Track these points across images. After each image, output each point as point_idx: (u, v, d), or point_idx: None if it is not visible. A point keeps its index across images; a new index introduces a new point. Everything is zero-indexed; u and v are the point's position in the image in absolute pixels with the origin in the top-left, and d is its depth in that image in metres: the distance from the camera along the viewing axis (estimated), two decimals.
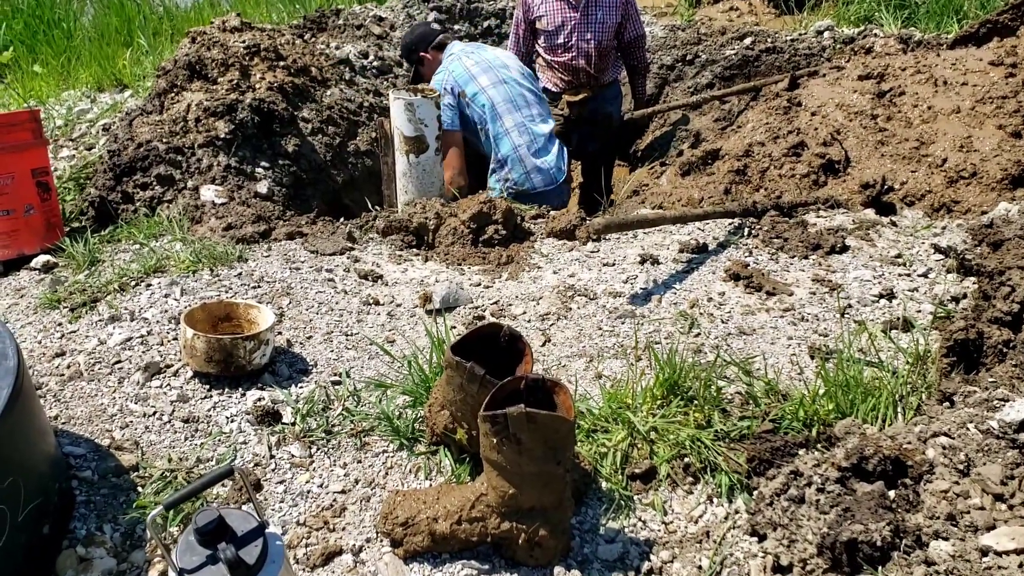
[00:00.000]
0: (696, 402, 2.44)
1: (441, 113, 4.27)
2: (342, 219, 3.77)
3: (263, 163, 4.55)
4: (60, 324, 2.88)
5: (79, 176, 4.22)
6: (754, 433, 2.30)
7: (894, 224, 3.60)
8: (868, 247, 3.36)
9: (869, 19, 6.70)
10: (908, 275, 3.15)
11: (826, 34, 6.30)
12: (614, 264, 3.27)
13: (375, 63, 5.77)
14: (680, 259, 3.29)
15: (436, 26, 5.26)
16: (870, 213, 3.83)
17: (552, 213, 3.71)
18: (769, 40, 6.36)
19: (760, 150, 4.84)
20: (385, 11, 6.53)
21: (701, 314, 2.92)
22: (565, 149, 5.23)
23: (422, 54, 5.23)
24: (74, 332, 2.82)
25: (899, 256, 3.27)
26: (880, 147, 4.64)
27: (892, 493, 1.77)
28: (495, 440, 1.90)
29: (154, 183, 3.85)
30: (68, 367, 2.62)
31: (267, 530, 1.67)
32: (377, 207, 4.40)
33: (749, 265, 3.17)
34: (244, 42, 5.01)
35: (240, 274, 3.15)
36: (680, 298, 3.03)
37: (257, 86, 4.83)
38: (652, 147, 6.45)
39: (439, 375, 2.46)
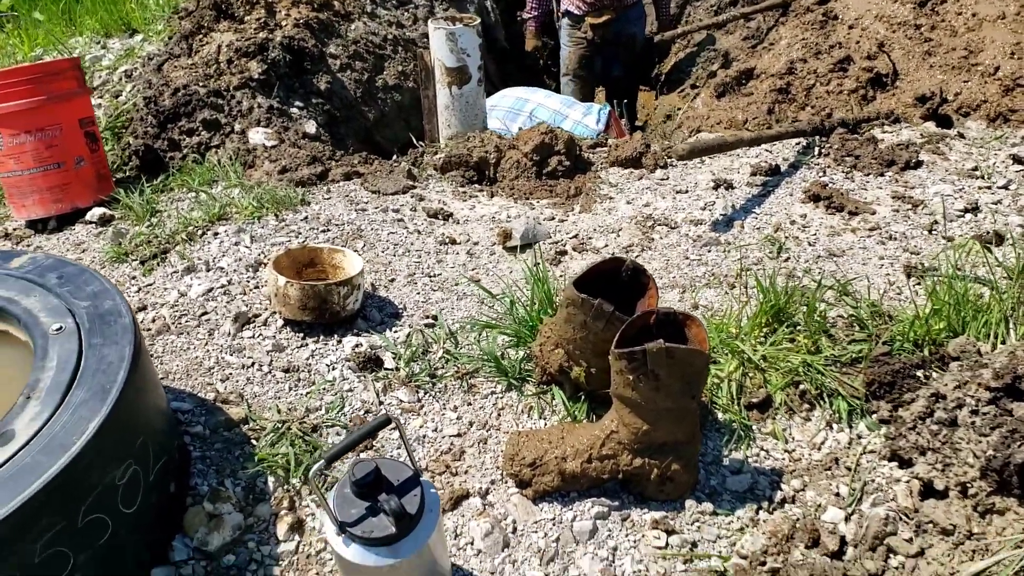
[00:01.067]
0: (801, 328, 2.40)
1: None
2: (395, 156, 3.67)
3: (297, 102, 4.42)
4: (134, 278, 2.81)
5: (114, 125, 4.09)
6: (870, 357, 2.27)
7: (962, 136, 3.53)
8: (942, 161, 3.30)
9: None
10: (988, 187, 3.10)
11: None
12: (687, 191, 3.20)
13: None
14: (754, 182, 3.22)
15: None
16: (931, 126, 3.75)
17: (612, 141, 3.62)
18: None
19: (803, 67, 4.73)
20: None
21: (787, 238, 2.87)
22: None
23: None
24: (150, 285, 2.74)
25: (976, 169, 3.21)
26: (927, 58, 4.54)
27: None
28: (631, 377, 1.86)
29: (200, 128, 3.73)
30: (153, 321, 2.56)
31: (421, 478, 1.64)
32: (420, 142, 4.29)
33: (827, 185, 3.10)
34: None
35: (306, 218, 3.07)
36: (762, 222, 2.97)
37: (284, 23, 4.67)
38: (677, 70, 6.31)
39: (543, 313, 2.41)
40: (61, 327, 1.85)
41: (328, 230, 3.00)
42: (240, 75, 4.19)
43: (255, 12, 4.59)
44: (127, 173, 3.80)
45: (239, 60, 4.28)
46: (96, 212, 3.26)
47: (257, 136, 3.59)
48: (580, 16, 5.85)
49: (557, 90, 6.23)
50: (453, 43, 4.01)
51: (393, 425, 1.69)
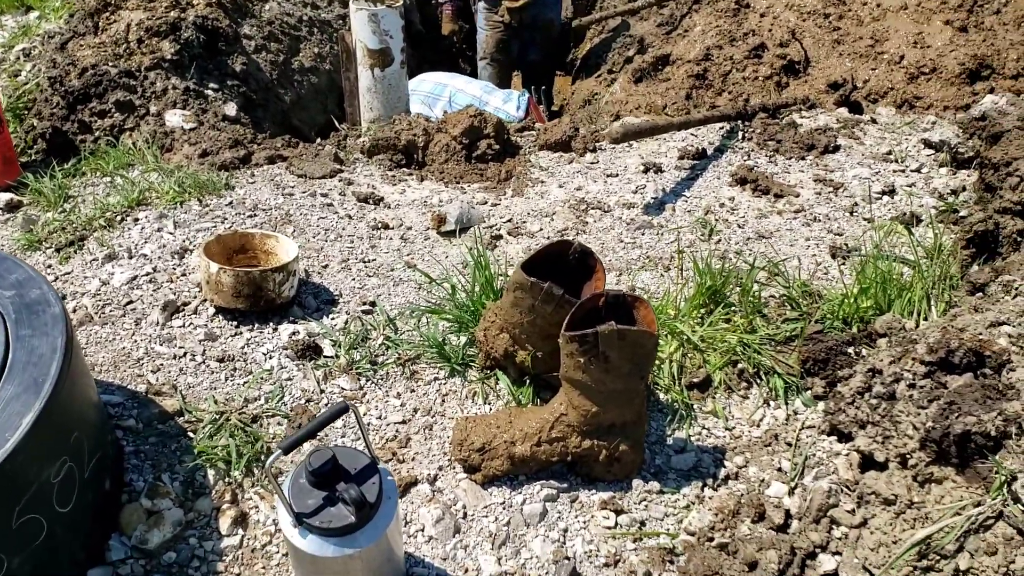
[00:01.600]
0: (736, 309, 2.45)
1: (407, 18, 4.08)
2: (317, 141, 3.59)
3: (212, 84, 4.28)
4: (50, 266, 2.67)
5: (15, 107, 3.88)
6: (804, 336, 2.33)
7: (875, 121, 3.65)
8: (857, 145, 3.41)
9: None
10: (902, 171, 3.22)
11: None
12: (618, 175, 3.23)
13: None
14: (682, 166, 3.27)
15: None
16: (845, 112, 3.87)
17: (540, 125, 3.62)
18: None
19: (719, 54, 4.82)
20: None
21: (717, 220, 2.92)
22: None
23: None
24: (68, 274, 2.62)
25: (890, 153, 3.33)
26: (837, 46, 4.68)
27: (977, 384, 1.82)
28: (582, 360, 1.86)
29: (112, 110, 3.57)
30: (75, 311, 2.44)
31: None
32: (342, 125, 4.22)
33: (753, 169, 3.17)
34: None
35: (231, 203, 2.98)
36: (692, 205, 3.01)
37: (196, 2, 4.51)
38: (592, 55, 6.35)
39: (485, 298, 2.40)
40: None
41: (255, 215, 2.92)
42: (152, 55, 4.03)
43: None
44: (32, 157, 3.62)
45: (150, 40, 4.11)
46: (2, 197, 3.10)
47: (175, 119, 3.46)
48: (497, 0, 5.83)
49: (474, 74, 6.20)
50: (376, 24, 3.94)
51: (349, 412, 1.65)
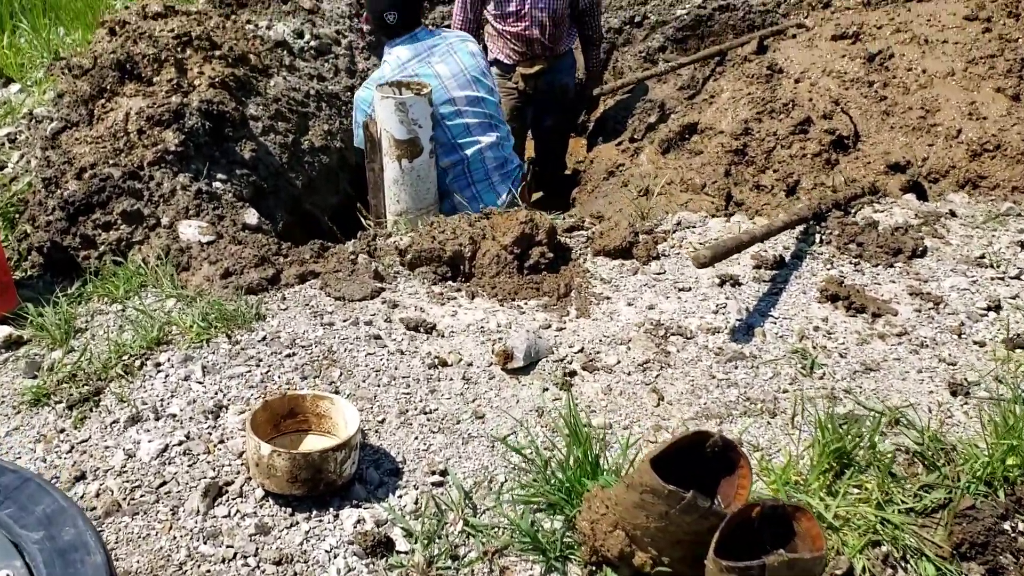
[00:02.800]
0: (865, 469, 2.14)
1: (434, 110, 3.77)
2: (350, 252, 3.23)
3: (220, 175, 3.93)
4: (63, 430, 2.31)
5: (5, 210, 3.51)
6: (955, 511, 2.01)
7: (953, 214, 3.37)
8: (945, 246, 3.12)
9: None
10: (1001, 278, 2.93)
11: None
12: (690, 288, 2.91)
13: (312, 43, 5.13)
14: (761, 277, 2.96)
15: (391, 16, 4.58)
16: (913, 199, 3.59)
17: (596, 228, 3.30)
18: None
19: (759, 127, 4.54)
20: None
21: (815, 348, 2.61)
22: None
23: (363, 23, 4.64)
24: (86, 442, 2.25)
25: (983, 257, 3.04)
26: (886, 118, 4.42)
27: None
28: None
29: (119, 221, 3.20)
30: (97, 495, 2.08)
31: None
32: (367, 218, 3.89)
33: (842, 282, 2.87)
34: (173, 31, 4.31)
35: (265, 338, 2.63)
36: (783, 329, 2.70)
37: (198, 83, 4.17)
38: (609, 119, 6.07)
39: (583, 475, 2.06)
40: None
41: (294, 354, 2.57)
42: (155, 148, 3.68)
43: (164, 72, 4.08)
44: (28, 272, 3.24)
45: (152, 130, 3.76)
46: (0, 331, 2.72)
47: (190, 231, 3.10)
48: (511, 66, 5.54)
49: None
50: (404, 114, 3.62)
51: None
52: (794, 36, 5.41)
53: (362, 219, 3.90)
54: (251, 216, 3.28)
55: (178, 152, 3.76)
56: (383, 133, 3.71)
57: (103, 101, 3.92)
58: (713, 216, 3.57)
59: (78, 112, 3.93)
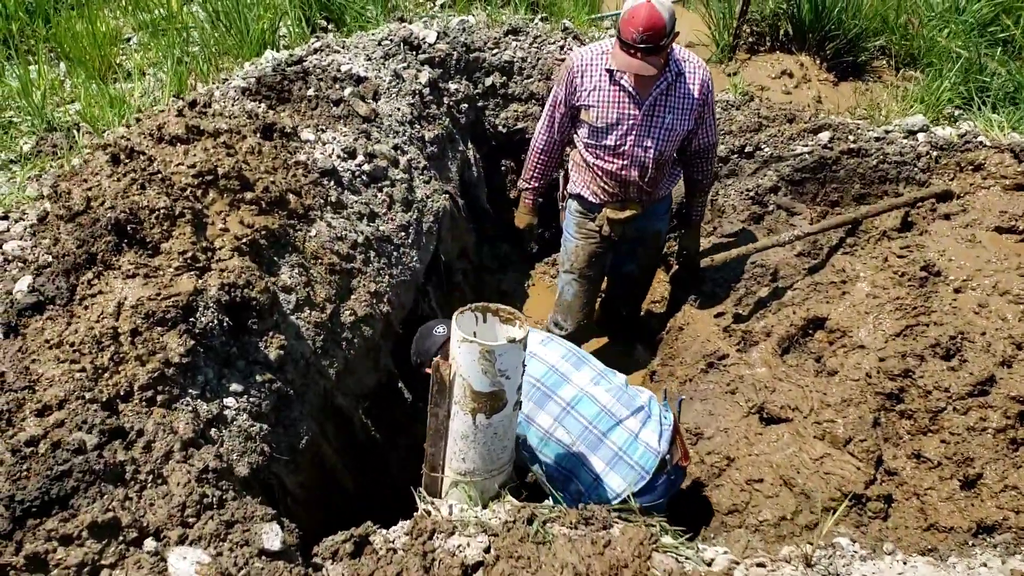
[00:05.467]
0: None
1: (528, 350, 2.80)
2: (396, 540, 2.26)
3: (234, 386, 2.98)
4: None
5: None
6: None
7: None
8: None
9: (961, 107, 5.49)
10: None
11: (920, 137, 5.03)
12: None
13: (366, 167, 4.15)
14: None
15: (441, 329, 3.54)
16: None
17: None
18: (851, 138, 5.05)
19: (920, 368, 3.56)
20: (362, 64, 4.84)
21: None
22: None
23: (427, 371, 3.64)
24: None
25: None
26: None
27: None
28: None
29: (84, 535, 2.22)
30: None
31: None
32: (418, 492, 2.95)
33: None
34: (194, 167, 3.34)
35: None
36: None
37: (220, 246, 3.21)
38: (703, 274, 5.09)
39: None
40: None
41: None
42: (151, 364, 2.72)
43: (177, 233, 3.11)
44: None
45: (150, 332, 2.80)
46: None
47: (183, 564, 2.13)
48: (596, 205, 4.57)
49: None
50: (490, 363, 2.66)
51: None
52: (947, 217, 4.44)
53: (417, 499, 2.94)
54: (271, 537, 2.31)
55: (181, 365, 2.81)
56: (457, 379, 2.75)
57: (90, 276, 2.95)
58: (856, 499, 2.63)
59: (56, 284, 2.96)
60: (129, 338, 2.80)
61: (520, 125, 5.44)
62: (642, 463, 3.11)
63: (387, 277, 3.95)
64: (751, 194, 5.17)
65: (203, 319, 2.93)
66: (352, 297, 3.73)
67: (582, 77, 4.24)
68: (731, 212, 5.16)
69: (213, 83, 5.04)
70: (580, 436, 3.15)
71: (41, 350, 2.75)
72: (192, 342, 2.87)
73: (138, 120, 3.76)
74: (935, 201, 4.66)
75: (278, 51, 5.30)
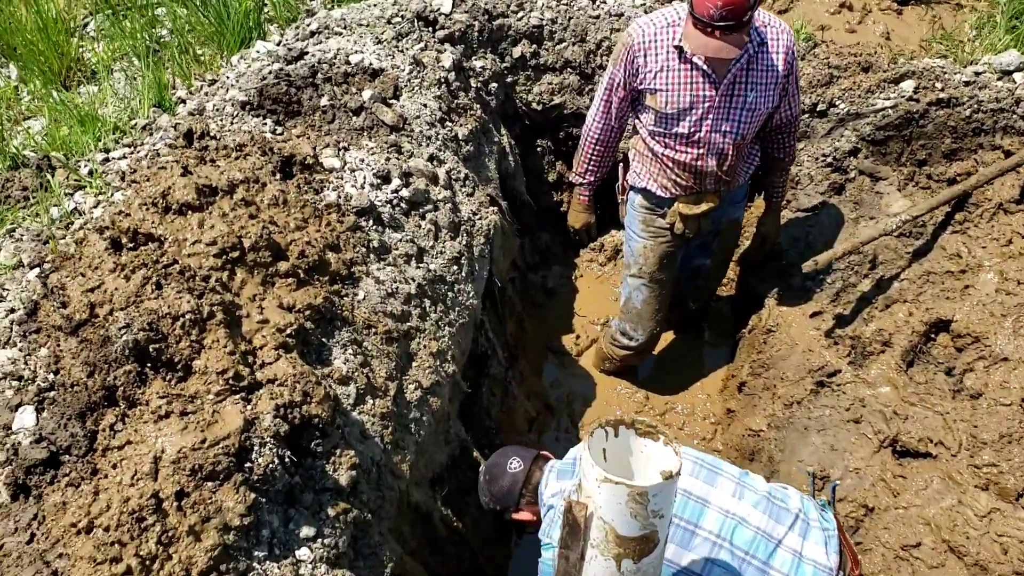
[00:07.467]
0: None
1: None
2: None
3: (304, 530, 2.42)
4: None
5: None
6: None
7: None
8: None
9: None
10: None
11: (1018, 78, 4.39)
12: None
13: (404, 192, 3.48)
14: None
15: (515, 464, 2.98)
16: None
17: None
18: (938, 85, 4.40)
19: None
20: (373, 50, 4.10)
21: None
22: None
23: (516, 517, 3.04)
24: None
25: None
26: None
27: None
28: None
29: None
30: None
31: None
32: None
33: None
34: (215, 243, 2.69)
35: None
36: None
37: (260, 347, 2.60)
38: (782, 253, 4.49)
39: None
40: None
41: None
42: (205, 530, 2.16)
43: (210, 340, 2.48)
44: None
45: (199, 492, 2.22)
46: None
47: None
48: (666, 200, 3.93)
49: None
50: (642, 507, 2.11)
51: None
52: None
53: None
54: None
55: (243, 529, 2.24)
56: (597, 523, 2.19)
57: (112, 419, 2.34)
58: None
59: (70, 430, 2.34)
60: (175, 505, 2.21)
61: (556, 100, 4.73)
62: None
63: (447, 328, 3.34)
64: (828, 160, 4.53)
65: (261, 460, 2.34)
66: (414, 365, 3.13)
67: (645, 56, 3.56)
68: (807, 183, 4.53)
69: (197, 81, 4.30)
70: (740, 571, 2.61)
71: (67, 536, 2.16)
72: (253, 495, 2.28)
73: (134, 182, 3.05)
74: None
75: (266, 38, 4.54)
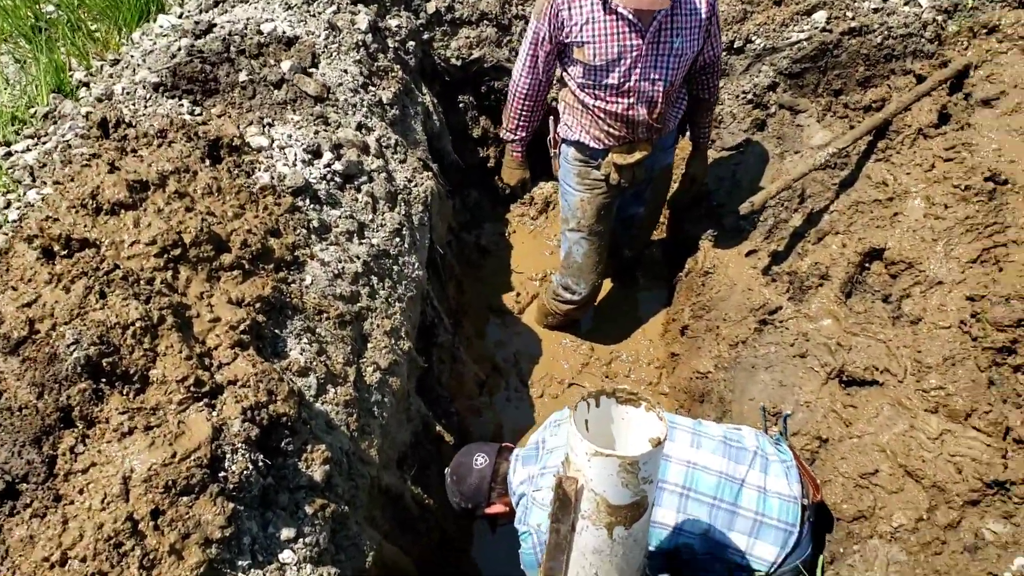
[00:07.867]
0: None
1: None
2: None
3: (284, 532, 2.36)
4: None
5: None
6: None
7: None
8: None
9: None
10: None
11: (923, 2, 4.48)
12: None
13: (336, 165, 3.37)
14: None
15: (481, 459, 2.99)
16: None
17: None
18: (849, 15, 4.46)
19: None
20: (283, 16, 3.91)
21: None
22: None
23: (489, 511, 3.03)
24: None
25: None
26: None
27: None
28: None
29: None
30: None
31: None
32: None
33: None
34: (154, 242, 2.56)
35: None
36: None
37: (215, 347, 2.49)
38: (712, 195, 4.53)
39: None
40: None
41: None
42: (187, 547, 2.09)
43: (164, 346, 2.37)
44: None
45: (175, 508, 2.14)
46: None
47: None
48: (599, 151, 3.92)
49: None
50: (632, 475, 2.13)
51: None
52: (988, 104, 3.96)
53: None
54: None
55: (225, 539, 2.17)
56: (588, 495, 2.20)
57: (71, 442, 2.22)
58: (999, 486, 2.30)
59: (25, 457, 2.21)
60: (152, 525, 2.12)
61: (475, 53, 4.63)
62: (783, 518, 2.67)
63: (397, 304, 3.27)
64: (748, 96, 4.57)
65: (234, 467, 2.26)
66: (370, 346, 3.06)
67: (570, 10, 3.50)
68: (730, 121, 4.57)
69: (97, 61, 4.05)
70: (710, 517, 2.66)
71: (40, 572, 2.05)
72: (231, 504, 2.21)
73: (57, 182, 2.85)
74: (956, 79, 4.17)
75: (166, 10, 4.29)
